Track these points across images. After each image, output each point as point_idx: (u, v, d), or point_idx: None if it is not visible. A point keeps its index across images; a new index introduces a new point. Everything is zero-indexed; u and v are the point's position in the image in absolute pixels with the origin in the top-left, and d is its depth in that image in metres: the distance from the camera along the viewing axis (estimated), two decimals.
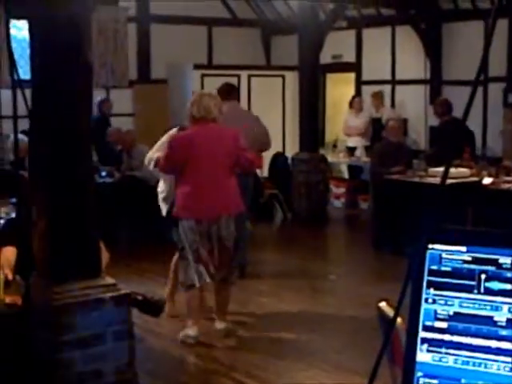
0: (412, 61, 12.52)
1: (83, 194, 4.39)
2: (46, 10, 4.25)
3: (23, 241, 4.54)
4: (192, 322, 5.91)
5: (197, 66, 12.67)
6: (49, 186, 4.36)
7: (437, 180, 8.26)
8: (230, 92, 7.68)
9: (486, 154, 11.13)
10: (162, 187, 6.66)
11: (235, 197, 5.92)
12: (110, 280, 4.47)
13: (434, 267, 1.70)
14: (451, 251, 1.69)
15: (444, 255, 1.69)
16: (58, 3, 4.21)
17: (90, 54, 4.41)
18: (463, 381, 1.64)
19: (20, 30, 12.03)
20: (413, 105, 12.55)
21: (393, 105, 12.92)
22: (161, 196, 6.66)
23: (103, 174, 9.61)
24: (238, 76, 12.78)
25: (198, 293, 5.98)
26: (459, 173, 8.99)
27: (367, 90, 12.94)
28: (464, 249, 1.68)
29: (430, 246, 1.70)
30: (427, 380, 1.66)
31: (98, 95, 11.57)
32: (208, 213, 5.76)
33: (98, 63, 11.91)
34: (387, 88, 12.86)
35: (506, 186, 8.59)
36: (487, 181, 8.78)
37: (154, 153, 6.44)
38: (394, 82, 12.99)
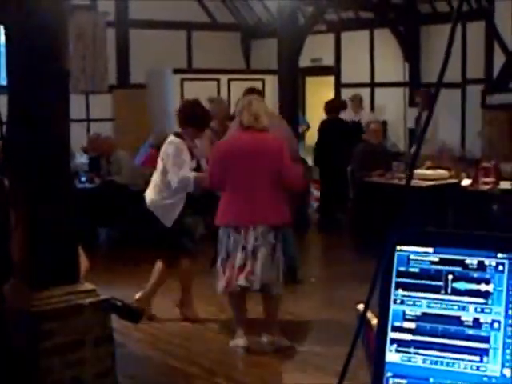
0: (391, 64, 12.59)
1: (62, 200, 4.38)
2: (21, 14, 4.25)
3: (1, 247, 4.52)
4: (241, 332, 5.84)
5: (176, 71, 12.66)
6: (27, 191, 4.35)
7: (416, 182, 8.31)
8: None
9: (465, 155, 11.21)
10: (165, 195, 6.29)
11: (274, 208, 5.69)
12: (89, 286, 4.46)
13: (402, 268, 1.72)
14: (419, 252, 1.71)
15: (412, 256, 1.72)
16: (34, 8, 4.21)
17: (66, 59, 4.41)
18: (432, 380, 1.67)
19: None
20: (392, 107, 12.62)
21: (372, 108, 12.98)
22: (167, 202, 6.28)
23: (83, 179, 9.59)
24: (218, 80, 12.80)
25: (237, 300, 5.84)
26: (438, 174, 9.05)
27: (346, 93, 12.99)
28: (431, 250, 1.70)
29: (398, 247, 1.72)
30: (396, 380, 1.69)
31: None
32: (244, 221, 5.61)
33: (77, 68, 11.87)
34: (366, 91, 12.92)
35: (485, 187, 8.64)
36: (466, 182, 8.84)
37: (177, 172, 6.15)
38: (372, 85, 13.06)
